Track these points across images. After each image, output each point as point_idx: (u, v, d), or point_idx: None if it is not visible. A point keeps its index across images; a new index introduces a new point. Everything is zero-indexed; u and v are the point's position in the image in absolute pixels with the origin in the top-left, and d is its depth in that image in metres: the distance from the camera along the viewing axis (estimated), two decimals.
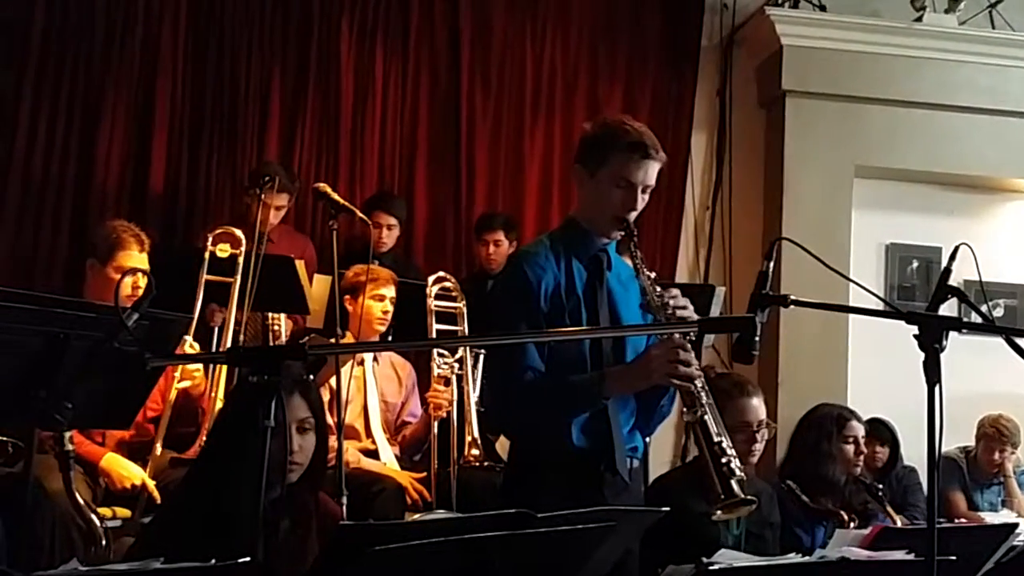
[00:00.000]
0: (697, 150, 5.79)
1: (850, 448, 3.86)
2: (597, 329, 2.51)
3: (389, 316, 4.05)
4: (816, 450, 3.82)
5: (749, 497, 2.29)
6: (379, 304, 4.03)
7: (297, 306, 4.20)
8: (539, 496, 2.10)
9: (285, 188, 4.52)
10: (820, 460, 3.79)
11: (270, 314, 4.32)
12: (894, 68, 5.58)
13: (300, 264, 4.11)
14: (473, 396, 3.98)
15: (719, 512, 2.30)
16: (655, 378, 2.38)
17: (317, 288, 4.27)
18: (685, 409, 2.35)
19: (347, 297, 4.03)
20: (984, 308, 2.83)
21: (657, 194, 5.32)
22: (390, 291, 4.06)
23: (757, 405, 3.24)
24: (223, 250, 3.90)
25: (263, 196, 4.26)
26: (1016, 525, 2.70)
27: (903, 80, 5.59)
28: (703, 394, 2.34)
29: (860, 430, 3.93)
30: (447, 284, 4.24)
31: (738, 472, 2.27)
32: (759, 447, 3.23)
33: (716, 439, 2.29)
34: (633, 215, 2.50)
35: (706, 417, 2.32)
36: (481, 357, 4.04)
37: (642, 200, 2.51)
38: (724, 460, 2.27)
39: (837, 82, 5.54)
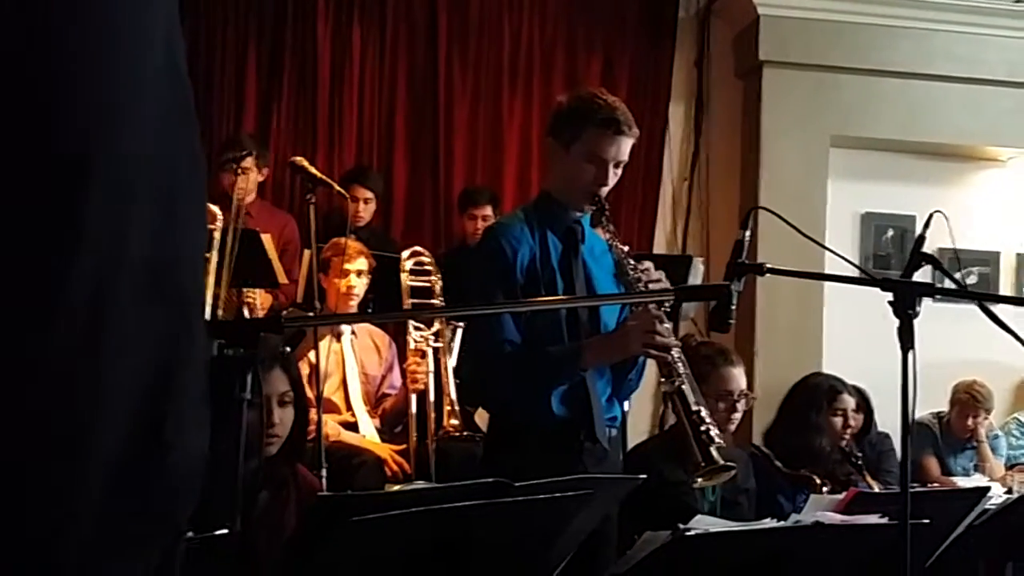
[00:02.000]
0: (675, 121, 5.78)
1: (838, 421, 3.85)
2: (575, 298, 2.52)
3: (356, 290, 4.03)
4: (804, 420, 3.80)
5: (729, 463, 2.32)
6: (343, 280, 4.01)
7: (267, 279, 4.19)
8: (520, 466, 2.11)
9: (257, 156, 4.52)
10: (807, 430, 3.77)
11: (244, 288, 4.29)
12: (870, 37, 5.59)
13: (267, 238, 4.09)
14: (451, 368, 3.99)
15: (700, 479, 2.32)
16: (632, 349, 2.40)
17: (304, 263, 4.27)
18: (663, 379, 2.37)
19: (321, 274, 4.01)
20: (958, 276, 2.85)
21: (635, 166, 5.37)
22: (356, 265, 4.04)
23: (738, 374, 3.26)
24: None
25: (239, 169, 4.23)
26: (988, 489, 2.75)
27: (879, 49, 5.59)
28: (680, 364, 2.36)
29: (851, 403, 3.92)
30: (422, 259, 4.23)
31: (717, 439, 2.30)
32: (738, 416, 3.25)
33: (694, 408, 2.32)
34: (605, 190, 2.51)
35: (683, 387, 2.34)
36: (459, 330, 4.04)
37: (614, 175, 2.52)
38: (703, 428, 2.29)
39: (813, 52, 5.54)
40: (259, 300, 4.34)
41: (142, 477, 0.56)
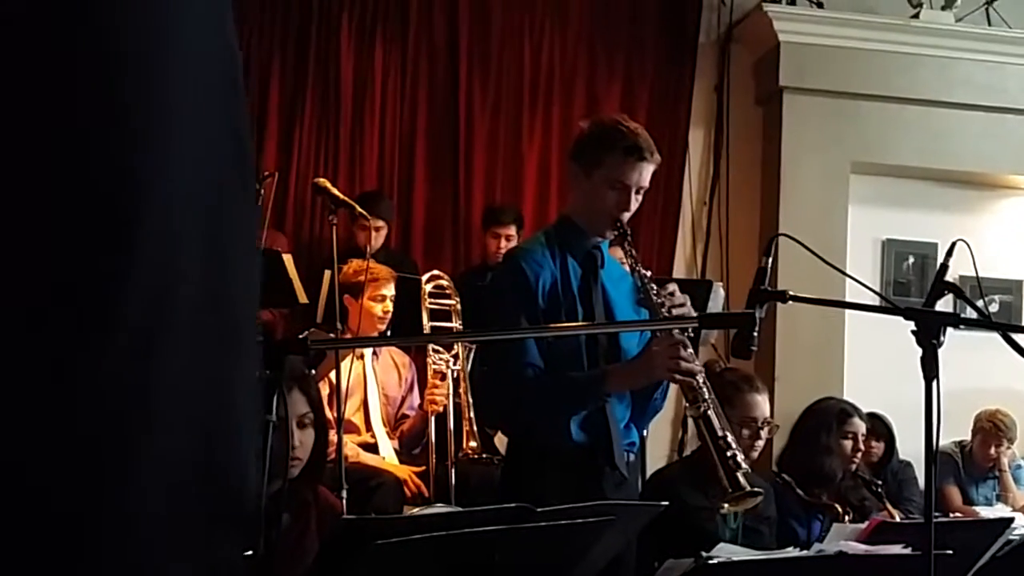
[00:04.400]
0: (695, 146, 5.80)
1: (848, 444, 3.84)
2: (598, 324, 2.53)
3: (389, 315, 4.07)
4: (815, 442, 3.81)
5: (756, 489, 2.31)
6: (379, 304, 4.04)
7: (287, 299, 4.20)
8: (538, 491, 2.11)
9: None
10: (817, 452, 3.78)
11: None
12: (890, 65, 5.59)
13: (287, 258, 4.10)
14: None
15: (727, 505, 2.31)
16: (657, 374, 2.40)
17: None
18: (687, 404, 2.37)
19: (346, 296, 4.03)
20: (980, 304, 2.84)
21: (655, 190, 5.38)
22: (390, 290, 4.08)
23: (763, 402, 3.25)
24: None
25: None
26: (1012, 519, 2.72)
27: (900, 77, 5.60)
28: (705, 389, 2.35)
29: (861, 427, 3.91)
30: (441, 282, 4.25)
31: (744, 465, 2.29)
32: (761, 444, 3.24)
33: (720, 433, 2.31)
34: (626, 216, 2.52)
35: (709, 412, 2.34)
36: (472, 351, 4.05)
37: (635, 201, 2.52)
38: (729, 454, 2.29)
39: (834, 79, 5.55)
40: None
41: (202, 506, 0.55)
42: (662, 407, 2.65)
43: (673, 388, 2.70)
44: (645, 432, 2.82)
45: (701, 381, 2.36)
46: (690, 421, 5.20)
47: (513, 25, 5.63)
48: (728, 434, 2.32)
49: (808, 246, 2.37)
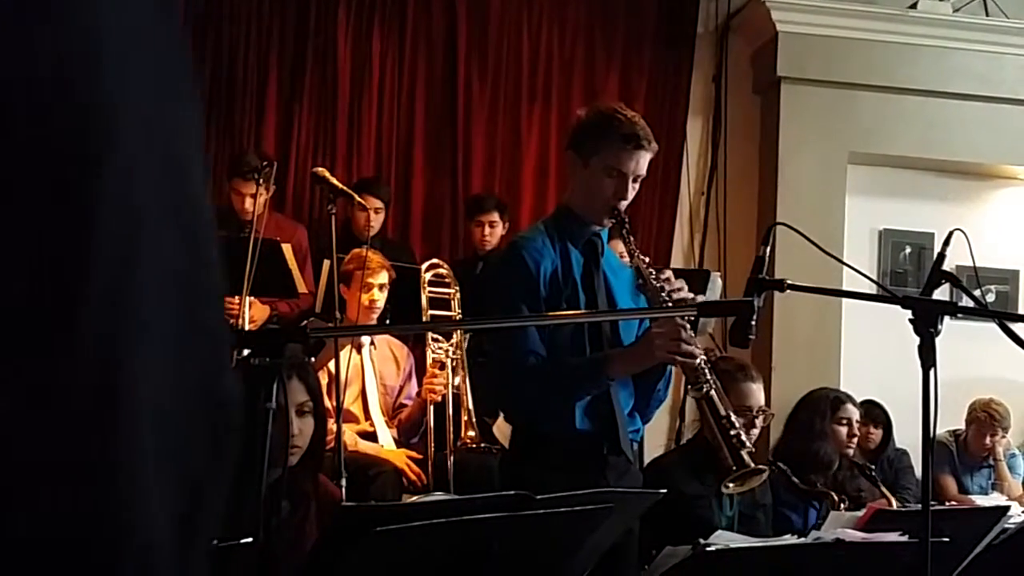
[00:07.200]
0: (692, 136, 5.80)
1: (843, 430, 3.90)
2: (599, 312, 2.53)
3: (379, 304, 4.06)
4: (809, 428, 3.87)
5: (760, 467, 2.32)
6: (367, 294, 4.03)
7: (286, 289, 4.20)
8: (542, 477, 2.12)
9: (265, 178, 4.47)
10: (812, 438, 3.83)
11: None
12: (888, 55, 5.60)
13: (287, 247, 4.10)
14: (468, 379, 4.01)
15: (731, 485, 2.32)
16: (658, 356, 2.40)
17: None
18: (690, 387, 2.38)
19: (342, 286, 4.03)
20: (976, 293, 2.85)
21: (652, 179, 5.40)
22: (379, 278, 4.06)
23: (757, 390, 3.27)
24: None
25: (255, 192, 4.23)
26: (1007, 508, 2.74)
27: (897, 67, 5.60)
28: (706, 370, 2.36)
29: (855, 414, 3.97)
30: (440, 271, 4.26)
31: (748, 444, 2.30)
32: (756, 432, 3.26)
33: (723, 413, 2.33)
34: (624, 204, 2.52)
35: (712, 393, 2.35)
36: (467, 339, 4.06)
37: (633, 189, 2.53)
38: (733, 433, 2.30)
39: (832, 69, 5.55)
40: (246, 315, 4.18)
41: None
42: (665, 398, 2.66)
43: (673, 378, 2.71)
44: (645, 424, 2.83)
45: (702, 362, 2.37)
46: (687, 410, 5.23)
47: (511, 15, 5.63)
48: (731, 414, 2.34)
49: (806, 235, 2.38)
